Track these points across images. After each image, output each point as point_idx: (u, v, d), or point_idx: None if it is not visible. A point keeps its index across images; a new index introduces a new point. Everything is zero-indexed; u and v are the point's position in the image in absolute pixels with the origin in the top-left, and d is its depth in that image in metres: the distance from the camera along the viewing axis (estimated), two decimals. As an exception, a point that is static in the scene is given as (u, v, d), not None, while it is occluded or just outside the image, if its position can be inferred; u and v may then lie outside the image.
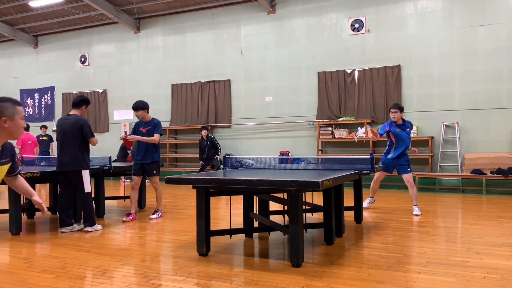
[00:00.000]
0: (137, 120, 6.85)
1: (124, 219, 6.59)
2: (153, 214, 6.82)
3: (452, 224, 6.18)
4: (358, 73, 11.25)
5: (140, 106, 6.59)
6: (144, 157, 6.62)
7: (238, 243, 5.03)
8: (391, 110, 6.91)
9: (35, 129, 14.63)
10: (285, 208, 5.24)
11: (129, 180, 12.92)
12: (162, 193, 6.98)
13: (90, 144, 6.01)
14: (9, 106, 2.46)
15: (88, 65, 15.10)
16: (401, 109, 6.90)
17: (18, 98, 16.39)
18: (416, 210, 6.84)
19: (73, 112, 6.06)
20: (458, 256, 4.35)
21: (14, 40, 16.14)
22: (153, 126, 6.63)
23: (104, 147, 13.34)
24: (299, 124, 11.82)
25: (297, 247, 4.01)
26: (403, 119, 6.95)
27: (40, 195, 10.16)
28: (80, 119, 5.97)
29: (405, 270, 3.91)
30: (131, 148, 8.01)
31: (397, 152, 6.96)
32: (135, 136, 6.60)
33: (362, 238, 5.24)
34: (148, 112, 6.71)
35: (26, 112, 16.22)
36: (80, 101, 6.06)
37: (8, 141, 2.62)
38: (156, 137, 6.57)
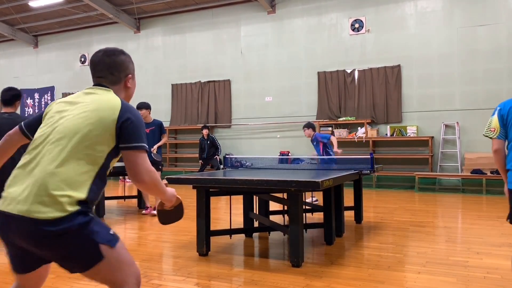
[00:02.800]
0: None
1: (143, 211, 7.20)
2: (154, 209, 6.99)
3: (452, 224, 6.18)
4: (358, 73, 11.25)
5: (144, 106, 7.00)
6: (149, 155, 6.79)
7: (238, 243, 5.03)
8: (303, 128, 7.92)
9: (35, 129, 14.62)
10: (285, 208, 5.25)
11: (129, 180, 12.96)
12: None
13: None
14: (131, 61, 2.07)
15: (88, 65, 15.08)
16: (308, 127, 7.87)
17: (18, 98, 16.41)
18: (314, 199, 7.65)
19: (7, 109, 4.95)
20: (458, 256, 4.35)
21: (14, 40, 16.14)
22: (158, 127, 7.13)
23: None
24: (299, 124, 11.81)
25: (297, 247, 4.01)
26: (314, 135, 7.89)
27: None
28: (23, 118, 5.61)
29: (405, 270, 3.91)
30: None
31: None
32: (155, 146, 7.07)
33: (362, 238, 5.24)
34: (150, 113, 7.08)
35: (26, 112, 16.23)
36: (13, 96, 4.93)
37: None
38: (165, 137, 7.21)
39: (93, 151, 1.75)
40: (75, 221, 1.68)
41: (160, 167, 7.21)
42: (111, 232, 1.81)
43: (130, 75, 2.02)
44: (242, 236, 5.32)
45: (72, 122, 1.79)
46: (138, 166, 1.78)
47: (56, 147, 1.75)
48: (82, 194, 1.72)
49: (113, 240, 1.79)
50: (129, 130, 1.79)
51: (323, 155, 7.69)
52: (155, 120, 7.14)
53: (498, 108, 2.95)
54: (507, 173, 2.90)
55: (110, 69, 1.96)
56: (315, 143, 7.88)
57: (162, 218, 2.25)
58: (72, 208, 1.68)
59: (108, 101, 1.85)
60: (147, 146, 1.84)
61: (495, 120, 2.93)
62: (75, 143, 1.74)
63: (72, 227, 1.67)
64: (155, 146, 7.05)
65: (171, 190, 2.08)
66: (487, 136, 3.00)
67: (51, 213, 1.65)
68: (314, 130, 7.92)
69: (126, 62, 2.01)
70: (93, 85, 1.97)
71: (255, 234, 5.44)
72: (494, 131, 2.93)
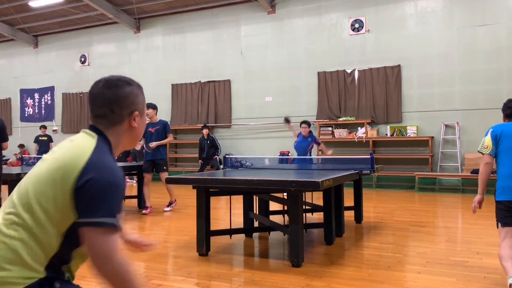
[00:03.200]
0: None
1: (143, 211, 7.26)
2: (168, 206, 7.50)
3: (452, 224, 6.19)
4: (358, 73, 11.25)
5: (152, 106, 7.32)
6: (155, 154, 7.33)
7: (238, 243, 5.03)
8: (302, 126, 8.33)
9: (35, 129, 14.65)
10: (285, 208, 5.24)
11: (131, 180, 12.94)
12: (172, 187, 7.48)
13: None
14: (139, 93, 1.64)
15: (88, 65, 15.10)
16: (309, 125, 8.38)
17: (18, 98, 16.43)
18: None
19: None
20: (458, 256, 4.34)
21: (14, 40, 16.14)
22: (163, 126, 7.38)
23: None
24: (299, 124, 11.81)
25: (297, 247, 4.01)
26: (310, 132, 8.40)
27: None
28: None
29: (405, 270, 3.91)
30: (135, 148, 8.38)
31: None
32: (154, 143, 7.23)
33: (362, 238, 5.24)
34: (156, 114, 7.42)
35: (26, 112, 16.23)
36: None
37: None
38: (170, 137, 7.46)
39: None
40: None
41: (164, 167, 7.44)
42: None
43: (137, 112, 1.58)
44: (242, 236, 5.32)
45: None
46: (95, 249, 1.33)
47: None
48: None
49: None
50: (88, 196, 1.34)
51: (308, 154, 8.36)
52: (160, 120, 7.50)
53: (491, 129, 3.50)
54: (496, 185, 3.40)
55: (110, 106, 1.54)
56: (309, 139, 8.30)
57: None
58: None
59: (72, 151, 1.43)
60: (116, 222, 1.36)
61: (488, 139, 3.45)
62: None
63: None
64: (154, 143, 7.24)
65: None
66: (481, 152, 3.50)
67: None
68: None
69: (132, 96, 1.58)
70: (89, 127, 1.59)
71: (255, 234, 5.44)
72: (487, 148, 3.44)
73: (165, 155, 7.54)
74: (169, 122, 13.38)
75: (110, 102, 1.54)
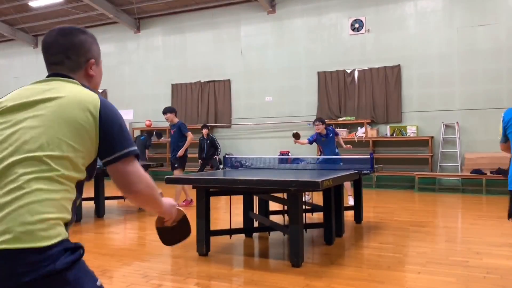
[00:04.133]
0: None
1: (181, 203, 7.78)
2: (183, 202, 7.91)
3: (452, 224, 6.19)
4: (358, 73, 11.25)
5: (167, 110, 7.85)
6: (172, 153, 7.89)
7: (238, 243, 5.03)
8: (315, 124, 7.69)
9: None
10: (285, 208, 5.25)
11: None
12: (180, 188, 7.74)
13: None
14: (94, 42, 1.62)
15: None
16: (323, 122, 7.70)
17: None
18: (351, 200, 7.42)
19: None
20: (458, 256, 4.34)
21: (14, 40, 16.14)
22: (177, 128, 7.78)
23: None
24: (299, 124, 11.81)
25: (297, 247, 4.01)
26: (326, 128, 7.73)
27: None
28: None
29: (405, 270, 3.91)
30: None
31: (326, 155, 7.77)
32: (182, 149, 7.75)
33: (362, 238, 5.24)
34: (176, 115, 7.91)
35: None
36: None
37: None
38: (189, 135, 7.79)
39: None
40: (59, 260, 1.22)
41: (176, 165, 7.77)
42: (99, 283, 1.34)
43: (93, 60, 1.58)
44: (242, 236, 5.32)
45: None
46: (129, 175, 1.43)
47: None
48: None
49: None
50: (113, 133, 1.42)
51: (335, 153, 7.67)
52: (178, 121, 7.93)
53: (502, 115, 3.50)
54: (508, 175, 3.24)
55: (66, 52, 1.52)
56: (330, 136, 7.67)
57: (166, 238, 1.82)
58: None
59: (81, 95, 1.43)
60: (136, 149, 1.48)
61: (500, 126, 3.52)
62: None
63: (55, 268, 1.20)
64: (180, 151, 7.73)
65: (168, 201, 1.71)
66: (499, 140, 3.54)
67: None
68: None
69: (87, 43, 1.57)
70: (48, 76, 1.51)
71: (255, 234, 5.44)
72: (500, 135, 3.53)
73: (180, 154, 7.76)
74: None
75: (65, 48, 1.52)
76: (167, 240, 1.83)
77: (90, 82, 1.59)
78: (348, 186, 7.53)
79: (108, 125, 1.40)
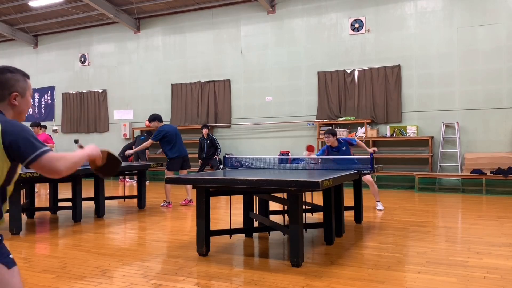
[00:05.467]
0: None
1: (182, 202, 8.11)
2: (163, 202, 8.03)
3: (452, 224, 6.19)
4: (358, 73, 11.25)
5: (151, 119, 7.98)
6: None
7: (238, 243, 5.03)
8: (325, 136, 6.94)
9: (34, 129, 14.60)
10: (285, 208, 5.24)
11: (131, 180, 12.95)
12: (169, 188, 7.89)
13: None
14: (20, 79, 2.02)
15: (88, 65, 15.10)
16: (333, 134, 6.86)
17: (18, 98, 16.39)
18: (379, 205, 7.44)
19: None
20: (458, 256, 4.34)
21: (14, 40, 16.14)
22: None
23: (104, 147, 13.31)
24: (299, 124, 11.82)
25: (297, 247, 4.01)
26: (338, 140, 6.92)
27: (40, 195, 10.15)
28: None
29: (405, 270, 3.91)
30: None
31: None
32: (131, 151, 8.34)
33: (362, 238, 5.24)
34: (159, 122, 7.94)
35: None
36: None
37: None
38: (148, 140, 7.94)
39: None
40: None
41: (166, 167, 7.93)
42: (11, 256, 1.84)
43: (15, 93, 1.95)
44: (242, 236, 5.32)
45: None
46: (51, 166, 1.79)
47: None
48: None
49: (11, 263, 1.81)
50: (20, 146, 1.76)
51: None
52: (159, 127, 7.98)
53: None
54: None
55: None
56: (343, 149, 6.87)
57: (103, 173, 2.24)
58: None
59: None
60: (45, 146, 1.81)
61: None
62: None
63: None
64: (130, 151, 8.27)
65: (89, 147, 2.07)
66: None
67: None
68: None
69: (12, 81, 1.98)
70: None
71: (255, 234, 5.44)
72: None
73: (172, 155, 7.91)
74: (169, 122, 13.45)
75: None
76: (106, 174, 2.25)
77: (14, 110, 1.98)
78: (375, 191, 7.43)
79: (12, 139, 1.75)
